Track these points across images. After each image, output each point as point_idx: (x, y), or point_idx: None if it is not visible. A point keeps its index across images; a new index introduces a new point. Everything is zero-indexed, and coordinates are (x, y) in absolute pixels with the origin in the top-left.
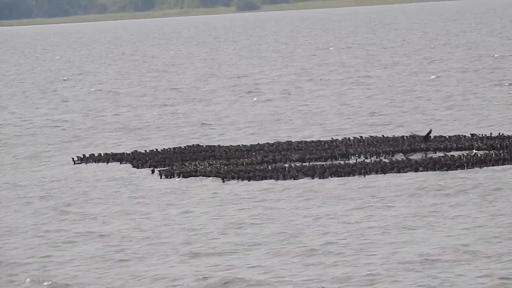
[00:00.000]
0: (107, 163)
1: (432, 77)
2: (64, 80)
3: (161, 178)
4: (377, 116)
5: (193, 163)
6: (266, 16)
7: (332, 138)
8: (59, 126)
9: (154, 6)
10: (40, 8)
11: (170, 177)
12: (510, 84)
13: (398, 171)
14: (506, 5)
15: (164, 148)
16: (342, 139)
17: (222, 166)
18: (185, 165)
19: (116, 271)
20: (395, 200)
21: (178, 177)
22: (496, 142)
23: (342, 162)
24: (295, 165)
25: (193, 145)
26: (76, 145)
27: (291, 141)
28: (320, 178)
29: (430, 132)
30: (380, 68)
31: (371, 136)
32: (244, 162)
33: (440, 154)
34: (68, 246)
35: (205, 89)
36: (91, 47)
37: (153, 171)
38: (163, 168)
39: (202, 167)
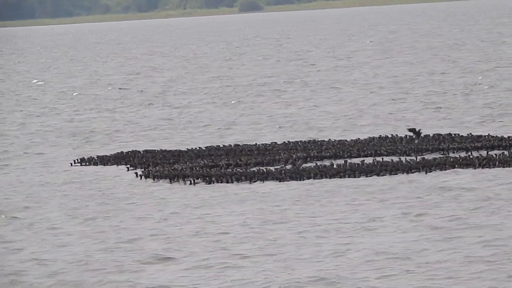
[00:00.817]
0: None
1: (417, 79)
2: (42, 83)
3: (141, 179)
4: (361, 118)
5: (180, 165)
6: (269, 17)
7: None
8: (39, 130)
9: (157, 7)
10: (43, 9)
11: (148, 179)
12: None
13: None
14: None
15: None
16: (327, 140)
17: (206, 168)
18: (174, 167)
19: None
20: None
21: (157, 180)
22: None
23: (328, 164)
24: (280, 167)
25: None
26: (63, 149)
27: (275, 142)
28: (311, 179)
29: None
30: (360, 71)
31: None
32: (232, 164)
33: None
34: (19, 251)
35: (184, 90)
36: (79, 49)
37: (136, 174)
38: (142, 170)
39: (188, 169)
